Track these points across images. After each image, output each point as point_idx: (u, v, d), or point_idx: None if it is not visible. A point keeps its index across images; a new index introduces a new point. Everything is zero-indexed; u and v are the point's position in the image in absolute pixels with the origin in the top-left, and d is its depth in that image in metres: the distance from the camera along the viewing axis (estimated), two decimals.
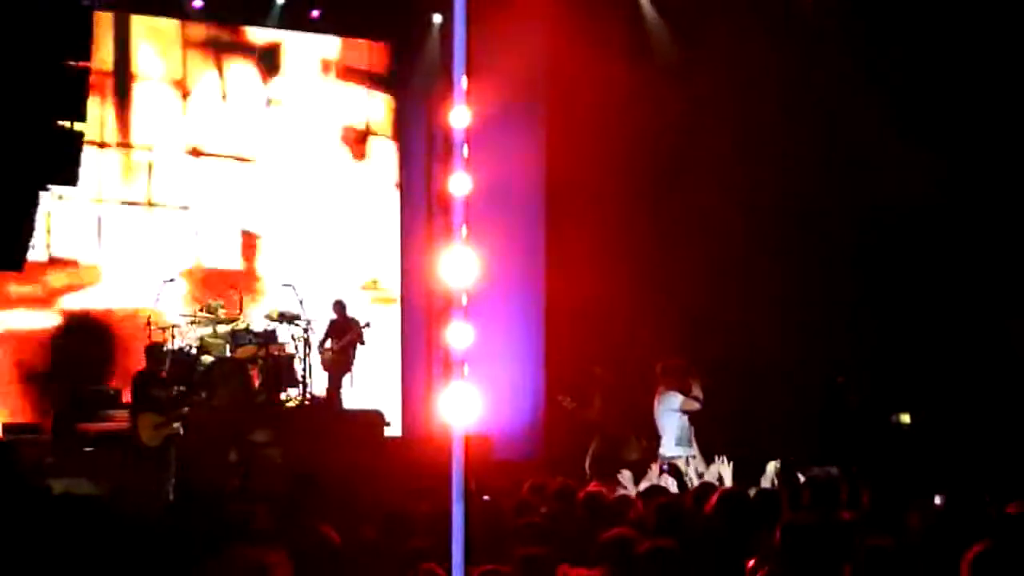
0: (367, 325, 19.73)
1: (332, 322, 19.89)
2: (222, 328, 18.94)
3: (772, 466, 13.19)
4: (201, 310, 19.23)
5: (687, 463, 15.31)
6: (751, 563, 6.48)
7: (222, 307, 19.23)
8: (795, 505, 9.43)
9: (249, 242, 21.33)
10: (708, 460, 15.04)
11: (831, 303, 20.21)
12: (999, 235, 20.06)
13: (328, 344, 19.80)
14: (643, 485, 13.27)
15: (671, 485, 13.11)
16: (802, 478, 13.09)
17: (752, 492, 9.71)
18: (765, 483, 12.90)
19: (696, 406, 15.55)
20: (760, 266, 20.39)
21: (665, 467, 14.50)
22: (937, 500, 10.76)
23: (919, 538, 7.04)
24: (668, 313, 19.85)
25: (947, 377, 19.89)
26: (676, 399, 15.62)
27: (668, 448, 15.54)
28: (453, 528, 3.98)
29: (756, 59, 19.97)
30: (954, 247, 20.26)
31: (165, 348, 18.17)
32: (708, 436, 15.71)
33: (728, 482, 13.21)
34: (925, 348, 20.03)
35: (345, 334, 19.80)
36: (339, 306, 19.98)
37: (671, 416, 15.64)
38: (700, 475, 14.57)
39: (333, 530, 6.99)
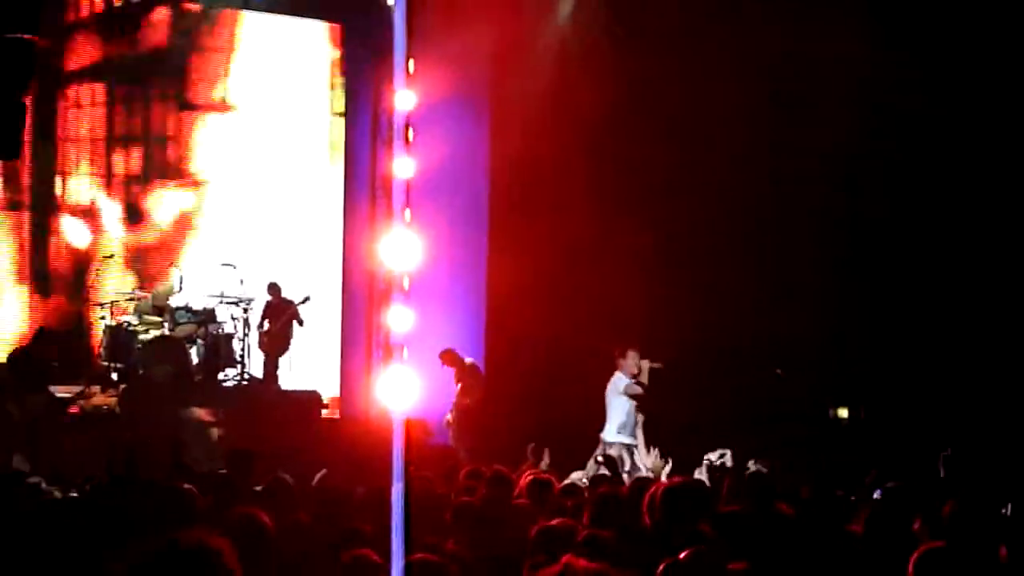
0: (306, 300, 19.57)
1: (267, 304, 19.73)
2: (158, 305, 18.74)
3: (708, 459, 13.17)
4: (139, 288, 19.01)
5: (629, 452, 15.28)
6: (683, 555, 6.40)
7: (157, 284, 19.01)
8: (731, 498, 9.39)
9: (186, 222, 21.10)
10: (648, 452, 15.04)
11: (773, 295, 20.23)
12: (941, 234, 20.19)
13: (265, 326, 19.65)
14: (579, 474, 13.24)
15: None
16: (737, 471, 13.07)
17: (688, 484, 9.63)
18: (701, 475, 12.87)
19: (638, 389, 15.59)
20: (703, 254, 20.40)
21: (600, 458, 14.45)
22: (877, 495, 10.75)
23: (859, 532, 6.99)
24: (609, 299, 19.80)
25: (886, 372, 19.99)
26: (622, 381, 15.68)
27: (609, 433, 15.53)
28: (392, 512, 3.85)
29: (703, 40, 19.96)
30: (891, 244, 20.36)
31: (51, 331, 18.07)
32: (649, 427, 15.68)
33: (665, 475, 13.19)
34: (865, 342, 20.11)
35: (281, 315, 19.65)
36: (273, 288, 19.82)
37: (618, 400, 15.66)
38: (637, 468, 14.55)
39: (266, 513, 6.87)
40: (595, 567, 3.35)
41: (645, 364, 15.77)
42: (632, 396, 15.62)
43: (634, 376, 15.69)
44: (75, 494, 9.43)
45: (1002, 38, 19.34)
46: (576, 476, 13.27)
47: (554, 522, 7.47)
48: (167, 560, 3.38)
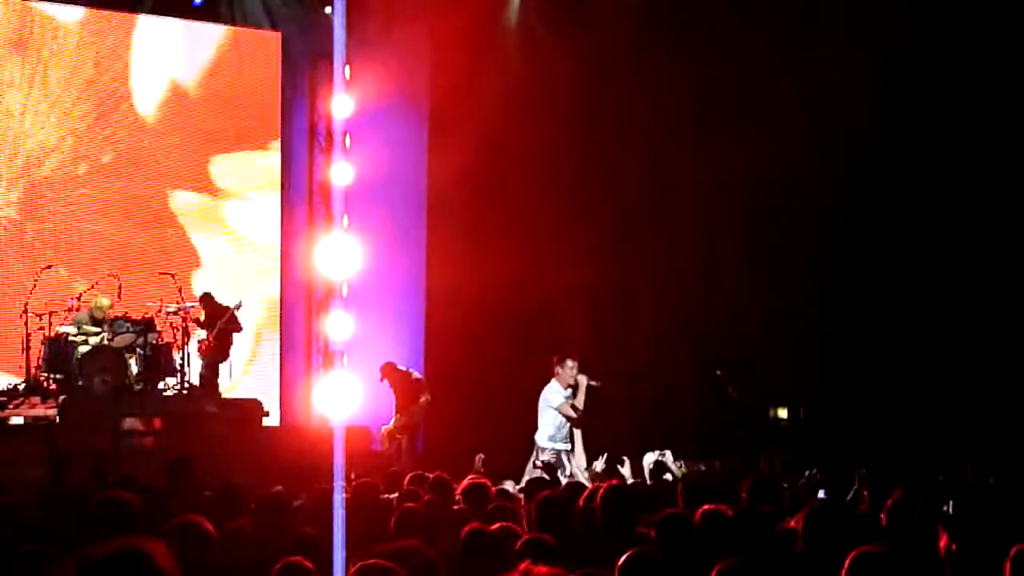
0: (238, 307, 19.49)
1: (205, 314, 19.61)
2: (96, 315, 18.61)
3: (648, 459, 13.18)
4: (77, 298, 18.85)
5: (565, 457, 15.26)
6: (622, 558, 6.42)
7: (96, 295, 18.85)
8: (671, 500, 9.43)
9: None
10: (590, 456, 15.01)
11: (713, 295, 20.35)
12: (882, 233, 20.37)
13: (202, 335, 19.57)
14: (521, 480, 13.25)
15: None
16: (678, 472, 13.12)
17: (627, 486, 9.67)
18: (642, 477, 12.90)
19: (571, 413, 15.40)
20: (640, 259, 20.48)
21: (539, 462, 14.44)
22: (821, 494, 10.83)
23: (799, 533, 7.02)
24: (549, 306, 19.86)
25: (825, 372, 20.13)
26: (557, 397, 15.46)
27: (541, 438, 15.51)
28: (334, 519, 3.86)
29: (635, 54, 20.05)
30: (832, 246, 20.51)
31: None
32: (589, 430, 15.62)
33: (591, 477, 13.22)
34: (804, 343, 20.25)
35: (215, 323, 19.57)
36: (206, 298, 19.72)
37: (548, 410, 15.56)
38: (572, 473, 14.53)
39: (207, 520, 6.84)
40: (554, 571, 3.36)
41: (583, 379, 15.44)
42: (566, 417, 15.48)
43: (569, 387, 15.51)
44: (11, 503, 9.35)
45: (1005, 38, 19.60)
46: (509, 483, 13.25)
47: (495, 527, 7.48)
48: (101, 565, 3.37)
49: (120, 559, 3.38)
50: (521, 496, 10.49)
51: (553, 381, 15.64)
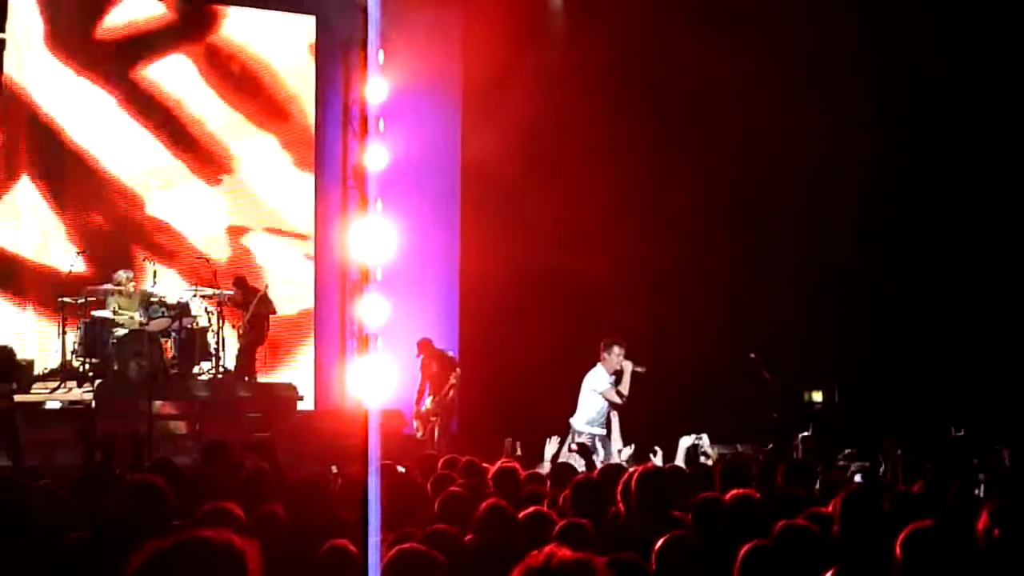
0: (265, 287, 19.62)
1: (240, 298, 19.66)
2: (132, 300, 18.64)
3: (684, 443, 13.12)
4: (110, 282, 18.88)
5: (600, 442, 15.17)
6: (660, 543, 6.38)
7: (131, 279, 18.89)
8: (707, 484, 9.36)
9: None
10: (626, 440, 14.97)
11: (746, 279, 20.24)
12: (914, 222, 20.31)
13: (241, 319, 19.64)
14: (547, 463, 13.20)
15: (579, 463, 13.01)
16: (713, 456, 13.06)
17: (663, 470, 9.61)
18: (678, 461, 12.83)
19: (616, 399, 15.27)
20: (681, 241, 20.40)
21: (574, 445, 14.36)
22: (858, 478, 10.77)
23: (838, 516, 6.97)
24: (584, 288, 19.81)
25: (860, 354, 20.05)
26: (602, 382, 15.34)
27: (579, 423, 15.41)
28: (368, 502, 3.82)
29: (674, 39, 19.96)
30: (863, 231, 20.42)
31: None
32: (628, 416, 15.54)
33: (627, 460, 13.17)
34: (839, 326, 20.18)
35: (249, 307, 19.62)
36: (239, 282, 19.77)
37: (591, 394, 15.44)
38: (610, 456, 14.48)
39: (241, 505, 6.83)
40: (580, 556, 3.30)
41: (628, 365, 15.31)
42: (609, 402, 15.38)
43: (615, 373, 15.38)
44: (52, 487, 9.37)
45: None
46: (546, 467, 13.22)
47: (528, 511, 7.44)
48: (191, 557, 3.29)
49: (209, 553, 3.29)
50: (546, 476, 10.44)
51: (599, 366, 15.50)
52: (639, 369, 15.32)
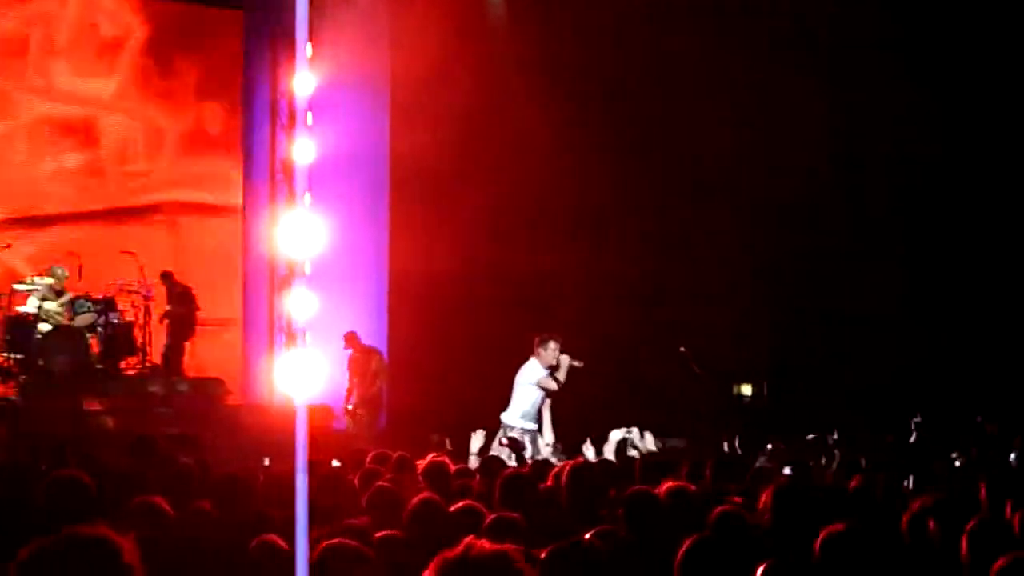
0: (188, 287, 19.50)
1: (166, 293, 19.51)
2: (61, 298, 18.44)
3: (615, 437, 13.12)
4: (40, 276, 18.67)
5: (531, 437, 15.05)
6: (588, 536, 6.36)
7: (66, 275, 18.68)
8: (637, 476, 9.37)
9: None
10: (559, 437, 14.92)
11: (676, 272, 20.31)
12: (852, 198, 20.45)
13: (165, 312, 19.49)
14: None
15: (508, 458, 12.99)
16: (644, 450, 13.08)
17: (593, 463, 9.61)
18: (608, 454, 12.83)
19: (552, 385, 15.07)
20: (602, 235, 20.43)
21: (504, 439, 14.31)
22: (787, 471, 10.81)
23: (767, 512, 6.98)
24: (513, 286, 19.80)
25: (787, 348, 20.17)
26: (536, 372, 15.15)
27: (511, 417, 15.21)
28: (297, 498, 3.78)
29: (607, 30, 20.00)
30: (796, 222, 20.54)
31: None
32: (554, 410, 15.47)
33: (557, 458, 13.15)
34: (767, 319, 20.28)
35: (177, 302, 19.48)
36: (166, 277, 19.60)
37: (527, 388, 15.23)
38: (539, 452, 14.44)
39: (167, 502, 6.75)
40: (499, 548, 3.28)
41: (565, 359, 15.11)
42: (545, 390, 15.20)
43: (551, 368, 15.22)
44: None
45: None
46: (474, 461, 13.18)
47: (459, 505, 7.41)
48: (64, 553, 3.28)
49: (88, 543, 3.29)
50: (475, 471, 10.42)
51: (532, 360, 15.28)
52: (576, 363, 15.11)
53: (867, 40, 19.92)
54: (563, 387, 15.15)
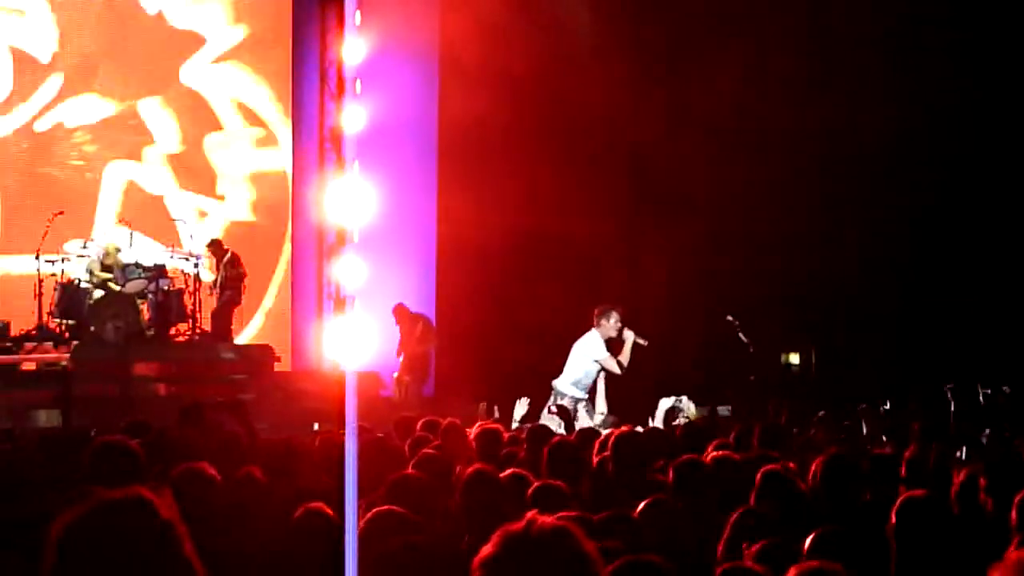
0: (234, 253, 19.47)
1: (214, 260, 19.54)
2: (113, 264, 18.52)
3: (664, 405, 13.06)
4: (92, 242, 18.78)
5: (581, 406, 14.92)
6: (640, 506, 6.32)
7: (118, 249, 18.73)
8: (688, 445, 9.32)
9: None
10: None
11: (722, 243, 20.20)
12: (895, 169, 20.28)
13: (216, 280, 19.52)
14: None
15: (557, 426, 12.93)
16: (692, 417, 13.01)
17: (640, 432, 9.54)
18: (657, 423, 12.78)
19: (616, 369, 14.89)
20: (652, 206, 20.32)
21: (554, 407, 14.23)
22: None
23: (817, 480, 6.94)
24: (562, 254, 19.72)
25: (838, 317, 20.05)
26: (600, 350, 14.92)
27: (563, 384, 15.08)
28: (345, 466, 3.74)
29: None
30: (848, 192, 20.40)
31: None
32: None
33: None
34: (818, 288, 20.16)
35: (227, 269, 19.50)
36: (214, 245, 19.62)
37: (583, 359, 15.03)
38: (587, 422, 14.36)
39: (215, 468, 6.73)
40: (562, 523, 3.23)
41: (630, 335, 14.82)
42: (608, 370, 14.99)
43: (610, 341, 15.01)
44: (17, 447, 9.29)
45: None
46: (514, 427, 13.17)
47: (506, 473, 7.37)
48: (101, 511, 3.27)
49: (121, 506, 3.28)
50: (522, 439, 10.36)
51: (593, 332, 15.06)
52: (642, 341, 14.87)
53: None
54: (626, 369, 14.92)
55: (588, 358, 14.97)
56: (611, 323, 14.93)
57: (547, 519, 3.21)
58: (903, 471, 8.15)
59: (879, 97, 19.89)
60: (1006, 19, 19.79)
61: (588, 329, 15.16)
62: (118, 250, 18.72)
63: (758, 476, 6.87)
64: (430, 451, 8.39)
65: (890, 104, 19.76)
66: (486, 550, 3.20)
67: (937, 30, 19.75)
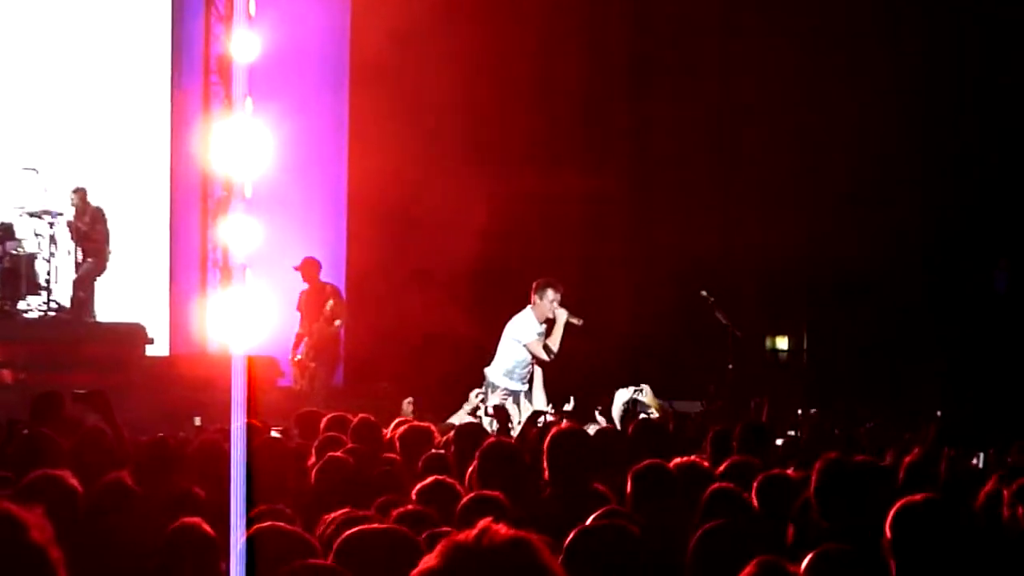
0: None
1: (75, 214, 19.42)
2: None
3: (621, 397, 13.14)
4: None
5: (516, 400, 14.96)
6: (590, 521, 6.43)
7: None
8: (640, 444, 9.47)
9: None
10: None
11: (697, 204, 20.39)
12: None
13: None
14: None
15: (490, 424, 13.01)
16: (657, 411, 13.11)
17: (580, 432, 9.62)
18: (614, 418, 12.87)
19: (543, 355, 14.91)
20: (614, 165, 20.44)
21: (491, 408, 14.26)
22: None
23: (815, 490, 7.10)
24: (500, 213, 19.73)
25: (826, 303, 20.27)
26: (529, 331, 14.96)
27: (495, 373, 15.15)
28: (232, 471, 3.78)
29: None
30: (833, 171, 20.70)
31: None
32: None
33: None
34: (805, 269, 20.38)
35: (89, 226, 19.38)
36: (80, 194, 19.46)
37: (514, 344, 15.10)
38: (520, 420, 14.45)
39: (77, 473, 6.75)
40: (519, 534, 3.26)
41: (562, 314, 14.74)
42: (534, 355, 15.05)
43: (547, 321, 15.03)
44: None
45: None
46: (456, 419, 13.26)
47: (429, 480, 7.45)
48: None
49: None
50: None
51: (527, 310, 15.07)
52: (575, 321, 14.92)
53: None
54: (556, 356, 14.97)
55: (516, 342, 15.02)
56: (547, 301, 14.91)
57: (502, 528, 3.23)
58: (901, 478, 8.33)
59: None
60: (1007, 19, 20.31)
61: (524, 306, 15.23)
62: None
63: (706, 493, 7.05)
64: (337, 455, 8.44)
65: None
66: (427, 562, 3.21)
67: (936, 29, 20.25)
